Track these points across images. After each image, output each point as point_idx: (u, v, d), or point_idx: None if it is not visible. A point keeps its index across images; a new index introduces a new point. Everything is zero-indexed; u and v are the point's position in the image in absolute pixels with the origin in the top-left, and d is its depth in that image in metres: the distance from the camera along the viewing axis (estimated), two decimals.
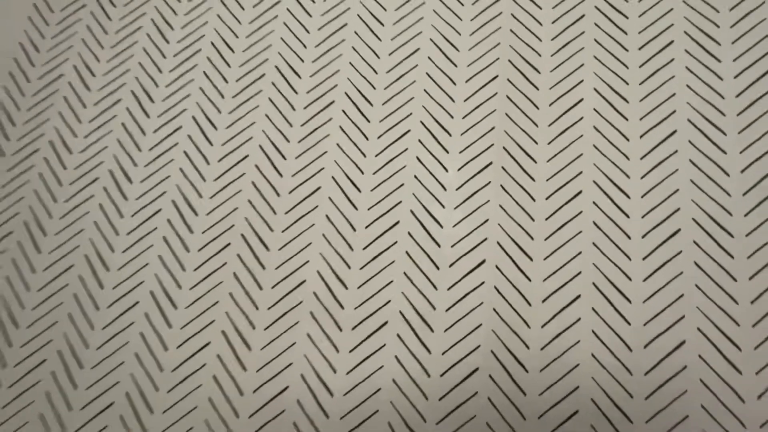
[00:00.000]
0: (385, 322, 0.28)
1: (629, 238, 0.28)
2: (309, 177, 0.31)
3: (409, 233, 0.30)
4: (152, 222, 0.32)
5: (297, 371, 0.28)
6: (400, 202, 0.30)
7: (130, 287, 0.30)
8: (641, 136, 0.30)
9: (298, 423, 0.27)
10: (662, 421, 0.25)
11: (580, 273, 0.28)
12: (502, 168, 0.30)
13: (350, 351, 0.28)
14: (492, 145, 0.31)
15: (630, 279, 0.27)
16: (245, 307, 0.29)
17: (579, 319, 0.27)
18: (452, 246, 0.29)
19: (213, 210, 0.32)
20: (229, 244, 0.30)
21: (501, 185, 0.30)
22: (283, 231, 0.31)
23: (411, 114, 0.32)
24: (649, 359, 0.26)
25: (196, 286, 0.30)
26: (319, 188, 0.31)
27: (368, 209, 0.31)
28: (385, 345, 0.28)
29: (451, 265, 0.29)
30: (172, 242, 0.31)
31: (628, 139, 0.30)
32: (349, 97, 0.33)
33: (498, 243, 0.29)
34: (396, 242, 0.29)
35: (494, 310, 0.28)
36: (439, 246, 0.29)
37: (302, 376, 0.28)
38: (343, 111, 0.32)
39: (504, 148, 0.31)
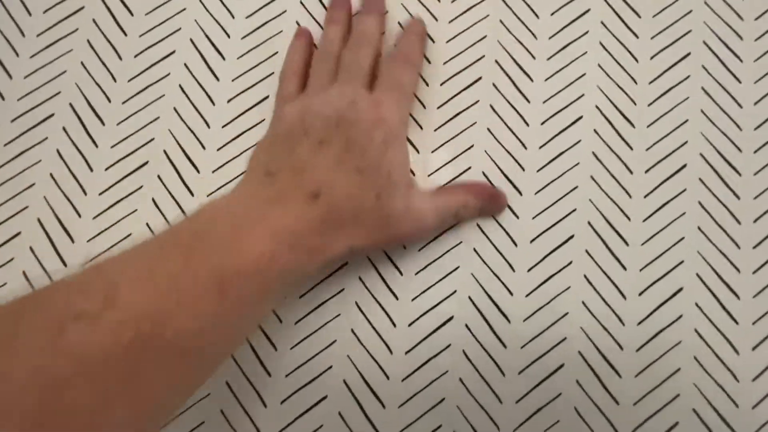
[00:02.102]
0: (345, 264, 0.25)
1: (631, 172, 0.26)
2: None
3: None
4: None
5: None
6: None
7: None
8: (651, 57, 0.27)
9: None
10: (652, 374, 0.23)
11: (574, 210, 0.25)
12: (493, 85, 0.27)
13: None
14: (483, 56, 0.27)
15: (629, 219, 0.25)
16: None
17: (570, 263, 0.25)
18: (429, 176, 0.26)
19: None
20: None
21: (490, 105, 0.27)
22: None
23: None
24: (644, 308, 0.24)
25: None
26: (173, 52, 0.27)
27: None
28: (344, 289, 0.25)
29: None
30: None
31: (637, 60, 0.27)
32: None
33: (483, 173, 0.26)
34: None
35: (474, 249, 0.25)
36: (413, 174, 0.26)
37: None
38: None
39: (497, 61, 0.27)
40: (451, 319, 0.24)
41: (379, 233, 0.22)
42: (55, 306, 0.16)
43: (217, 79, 0.27)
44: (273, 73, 0.27)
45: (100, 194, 0.26)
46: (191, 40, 0.28)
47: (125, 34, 0.28)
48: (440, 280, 0.25)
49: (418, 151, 0.26)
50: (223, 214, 0.20)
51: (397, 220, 0.22)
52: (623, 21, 0.28)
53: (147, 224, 0.25)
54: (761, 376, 0.23)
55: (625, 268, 0.25)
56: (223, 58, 0.28)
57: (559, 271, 0.25)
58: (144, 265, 0.18)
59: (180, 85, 0.27)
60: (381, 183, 0.22)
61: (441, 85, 0.27)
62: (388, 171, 0.22)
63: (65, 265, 0.25)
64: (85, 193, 0.26)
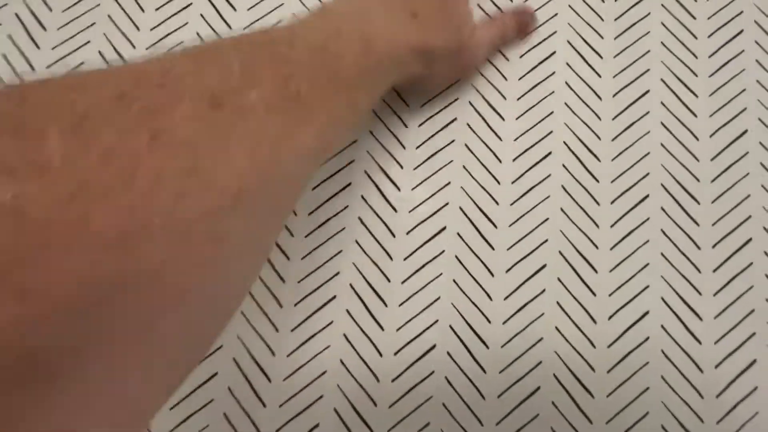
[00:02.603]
0: (334, 297, 0.27)
1: (598, 204, 0.28)
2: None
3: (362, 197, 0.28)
4: None
5: None
6: None
7: None
8: (614, 95, 0.29)
9: None
10: (622, 394, 0.25)
11: (546, 241, 0.27)
12: (467, 125, 0.29)
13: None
14: (457, 98, 0.30)
15: (597, 247, 0.27)
16: None
17: (544, 291, 0.27)
18: (410, 211, 0.28)
19: None
20: None
21: (465, 144, 0.29)
22: None
23: None
24: (613, 331, 0.26)
25: None
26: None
27: None
28: (332, 322, 0.27)
29: (408, 232, 0.28)
30: None
31: (600, 98, 0.29)
32: None
33: (460, 208, 0.28)
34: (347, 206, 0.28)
35: (454, 281, 0.27)
36: (395, 211, 0.28)
37: None
38: None
39: (470, 102, 0.30)
40: (433, 347, 0.26)
41: (454, 53, 0.26)
42: (256, 36, 0.18)
43: None
44: None
45: None
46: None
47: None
48: (422, 310, 0.27)
49: (399, 189, 0.28)
50: (355, 5, 0.22)
51: (466, 48, 0.27)
52: (587, 62, 0.30)
53: None
54: (724, 393, 0.25)
55: (594, 294, 0.27)
56: None
57: (534, 298, 0.27)
58: (310, 22, 0.20)
59: None
60: (461, 17, 0.26)
61: (419, 126, 0.29)
62: (463, 12, 0.26)
63: None
64: None
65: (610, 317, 0.26)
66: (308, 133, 0.17)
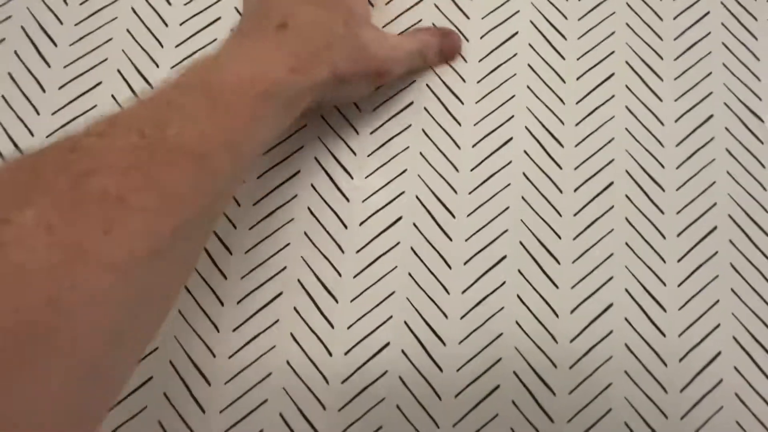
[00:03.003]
0: (280, 293, 0.25)
1: (561, 191, 0.27)
2: None
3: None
4: None
5: None
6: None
7: None
8: (578, 78, 0.28)
9: None
10: (585, 390, 0.24)
11: (506, 231, 0.26)
12: (424, 109, 0.27)
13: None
14: (414, 81, 0.28)
15: (560, 237, 0.26)
16: None
17: (504, 283, 0.25)
18: (363, 201, 0.27)
19: None
20: None
21: (422, 129, 0.27)
22: None
23: None
24: (576, 325, 0.25)
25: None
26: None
27: None
28: (278, 320, 0.25)
29: (361, 223, 0.26)
30: None
31: (564, 81, 0.28)
32: None
33: (417, 197, 0.26)
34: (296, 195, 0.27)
35: (409, 274, 0.25)
36: (348, 200, 0.27)
37: None
38: None
39: (428, 86, 0.28)
40: (387, 345, 0.25)
41: (358, 57, 0.24)
42: (66, 137, 0.17)
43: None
44: None
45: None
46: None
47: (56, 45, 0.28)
48: (376, 306, 0.25)
49: (351, 177, 0.27)
50: (205, 56, 0.21)
51: (371, 46, 0.24)
52: (550, 44, 0.29)
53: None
54: (689, 387, 0.25)
55: (557, 287, 0.26)
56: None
57: (493, 291, 0.25)
58: (139, 100, 0.19)
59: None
60: (344, 12, 0.23)
61: (373, 110, 0.28)
62: (348, 4, 0.24)
63: None
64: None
65: (573, 311, 0.25)
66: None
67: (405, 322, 0.25)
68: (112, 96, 0.28)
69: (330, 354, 0.24)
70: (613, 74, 0.28)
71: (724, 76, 0.29)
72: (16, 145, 0.27)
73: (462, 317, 0.25)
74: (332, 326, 0.25)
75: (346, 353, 0.24)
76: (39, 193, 0.15)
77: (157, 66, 0.28)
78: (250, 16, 0.23)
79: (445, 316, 0.25)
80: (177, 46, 0.29)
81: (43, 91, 0.28)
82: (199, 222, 0.19)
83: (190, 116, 0.18)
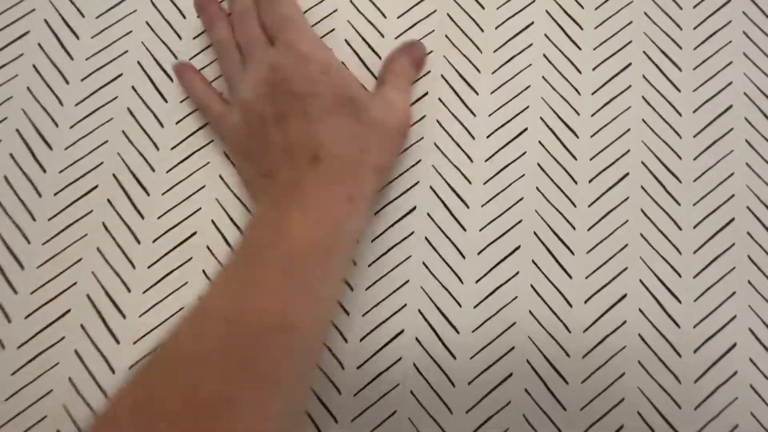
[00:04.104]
0: None
1: (576, 182, 0.27)
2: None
3: None
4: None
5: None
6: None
7: None
8: (594, 68, 0.29)
9: None
10: (598, 379, 0.25)
11: (520, 221, 0.27)
12: (439, 99, 0.28)
13: None
14: (429, 71, 0.29)
15: (574, 228, 0.27)
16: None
17: (517, 273, 0.26)
18: (379, 191, 0.28)
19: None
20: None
21: (437, 120, 0.28)
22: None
23: None
24: (589, 315, 0.26)
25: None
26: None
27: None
28: None
29: (377, 213, 0.27)
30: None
31: (580, 72, 0.29)
32: None
33: (431, 187, 0.27)
34: None
35: (423, 263, 0.26)
36: None
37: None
38: None
39: (442, 76, 0.28)
40: (401, 332, 0.26)
41: (387, 144, 0.24)
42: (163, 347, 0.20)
43: (165, 100, 0.29)
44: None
45: (49, 219, 0.27)
46: (138, 62, 0.29)
47: (71, 58, 0.29)
48: (390, 294, 0.26)
49: None
50: (263, 230, 0.22)
51: (385, 121, 0.24)
52: (566, 34, 0.29)
53: (98, 249, 0.27)
54: (703, 378, 0.25)
55: (570, 277, 0.26)
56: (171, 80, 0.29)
57: (507, 281, 0.26)
58: (218, 282, 0.21)
59: (128, 108, 0.29)
60: (349, 105, 0.23)
61: None
62: (347, 94, 0.24)
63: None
64: (34, 220, 0.27)
65: (587, 301, 0.26)
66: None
67: (419, 310, 0.26)
68: (133, 87, 0.29)
69: (345, 340, 0.26)
70: (630, 64, 0.29)
71: (744, 66, 0.29)
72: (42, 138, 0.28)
73: (475, 306, 0.26)
74: (348, 314, 0.26)
75: (361, 340, 0.26)
76: (158, 418, 0.17)
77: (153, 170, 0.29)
78: (274, 168, 0.23)
79: (459, 305, 0.26)
80: (194, 37, 0.30)
81: (67, 82, 0.29)
82: (299, 387, 0.21)
83: (269, 289, 0.20)
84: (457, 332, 0.26)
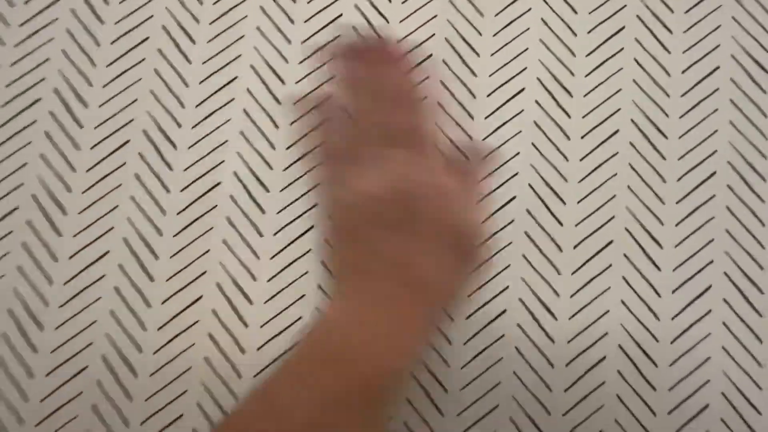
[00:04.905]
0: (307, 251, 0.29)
1: (568, 138, 0.30)
2: (222, 66, 0.31)
3: None
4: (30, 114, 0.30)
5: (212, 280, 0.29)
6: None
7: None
8: (588, 32, 0.31)
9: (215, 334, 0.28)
10: (685, 363, 0.27)
11: (613, 217, 0.29)
12: (443, 62, 0.31)
13: (271, 258, 0.29)
14: (434, 34, 0.31)
15: (662, 223, 0.29)
16: (150, 212, 0.29)
17: (610, 265, 0.28)
18: None
19: (108, 101, 0.30)
20: (128, 141, 0.30)
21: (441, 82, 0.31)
22: (193, 127, 0.30)
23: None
24: (677, 304, 0.28)
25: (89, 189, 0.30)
26: (235, 78, 0.30)
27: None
28: (307, 272, 0.29)
29: None
30: (57, 140, 0.30)
31: (575, 35, 0.31)
32: None
33: (529, 184, 0.29)
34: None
35: (523, 255, 0.28)
36: None
37: (218, 284, 0.29)
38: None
39: (446, 40, 0.31)
40: (503, 312, 0.28)
41: (467, 270, 0.24)
42: None
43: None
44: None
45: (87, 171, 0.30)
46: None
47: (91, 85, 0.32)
48: (493, 277, 0.28)
49: None
50: (348, 331, 0.22)
51: (474, 254, 0.24)
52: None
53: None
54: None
55: (659, 269, 0.28)
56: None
57: (600, 273, 0.28)
58: (299, 390, 0.21)
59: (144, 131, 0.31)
60: (457, 232, 0.23)
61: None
62: (456, 216, 0.24)
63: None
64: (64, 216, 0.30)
65: (674, 291, 0.28)
66: None
67: (520, 299, 0.28)
68: (148, 113, 0.32)
69: (451, 319, 0.28)
70: (623, 27, 0.31)
71: (732, 30, 0.31)
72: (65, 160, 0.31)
73: (572, 296, 0.28)
74: None
75: (467, 318, 0.28)
76: None
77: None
78: (377, 273, 0.23)
79: (557, 294, 0.28)
80: (201, 82, 0.32)
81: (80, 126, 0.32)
82: None
83: (347, 420, 0.20)
84: (555, 319, 0.27)
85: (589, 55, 0.31)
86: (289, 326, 0.28)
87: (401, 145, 0.24)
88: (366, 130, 0.25)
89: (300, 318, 0.28)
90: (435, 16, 0.31)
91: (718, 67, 0.30)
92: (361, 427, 0.21)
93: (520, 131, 0.30)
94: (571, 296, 0.28)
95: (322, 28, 0.31)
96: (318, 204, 0.29)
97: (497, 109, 0.30)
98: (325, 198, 0.26)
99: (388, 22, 0.31)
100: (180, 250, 0.29)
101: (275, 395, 0.21)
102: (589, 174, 0.30)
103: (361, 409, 0.21)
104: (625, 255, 0.29)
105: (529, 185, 0.29)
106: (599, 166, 0.30)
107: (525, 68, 0.30)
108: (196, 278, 0.28)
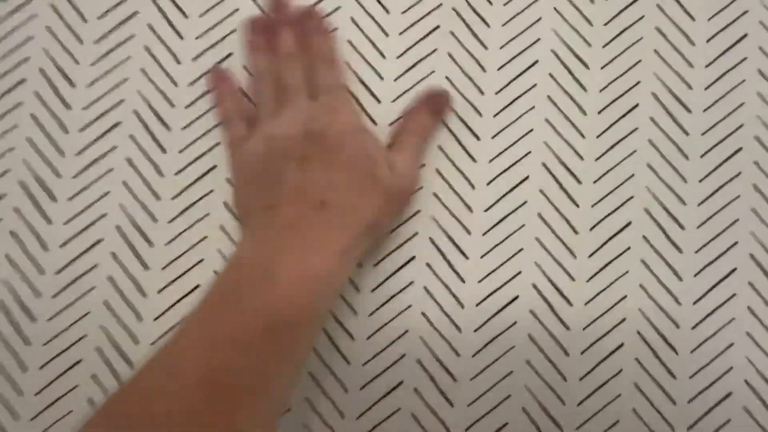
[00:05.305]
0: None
1: (687, 158, 0.28)
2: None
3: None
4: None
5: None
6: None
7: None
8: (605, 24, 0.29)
9: None
10: (707, 349, 0.26)
11: (631, 198, 0.27)
12: (451, 33, 0.29)
13: None
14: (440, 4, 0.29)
15: (684, 203, 0.28)
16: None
17: (628, 248, 0.27)
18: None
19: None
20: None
21: (448, 53, 0.29)
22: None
23: None
24: (699, 288, 0.27)
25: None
26: (229, 54, 0.29)
27: None
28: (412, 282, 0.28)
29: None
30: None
31: (593, 2, 0.29)
32: None
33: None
34: None
35: (536, 239, 0.27)
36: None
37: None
38: None
39: (453, 9, 0.29)
40: (516, 298, 0.27)
41: (388, 203, 0.25)
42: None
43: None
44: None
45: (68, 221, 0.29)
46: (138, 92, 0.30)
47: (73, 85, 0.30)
48: (504, 262, 0.27)
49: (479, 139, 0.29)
50: (251, 268, 0.23)
51: (393, 185, 0.25)
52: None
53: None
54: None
55: (681, 251, 0.27)
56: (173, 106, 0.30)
57: (618, 256, 0.27)
58: (200, 333, 0.21)
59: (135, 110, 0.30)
60: (366, 164, 0.25)
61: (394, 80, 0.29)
62: (367, 154, 0.25)
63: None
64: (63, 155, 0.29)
65: (696, 274, 0.27)
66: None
67: (533, 284, 0.27)
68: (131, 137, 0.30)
69: (462, 306, 0.27)
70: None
71: None
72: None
73: (588, 280, 0.27)
74: (463, 281, 0.27)
75: (477, 305, 0.27)
76: None
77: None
78: (281, 203, 0.24)
79: (572, 278, 0.27)
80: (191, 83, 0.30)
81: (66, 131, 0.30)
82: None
83: (249, 349, 0.20)
84: (570, 304, 0.27)
85: (607, 24, 0.29)
86: None
87: (319, 98, 0.26)
88: (284, 85, 0.27)
89: None
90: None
91: (746, 35, 0.28)
92: (264, 370, 0.21)
93: (533, 107, 0.28)
94: (588, 281, 0.27)
95: None
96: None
97: (509, 83, 0.28)
98: (234, 154, 0.27)
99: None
100: (175, 237, 0.28)
101: (174, 350, 0.21)
102: (607, 151, 0.28)
103: (266, 349, 0.21)
104: (644, 237, 0.27)
105: (543, 164, 0.28)
106: (617, 142, 0.28)
107: (538, 39, 0.29)
108: (193, 267, 0.27)
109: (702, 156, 0.28)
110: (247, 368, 0.20)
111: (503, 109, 0.28)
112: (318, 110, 0.26)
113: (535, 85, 0.28)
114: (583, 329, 0.27)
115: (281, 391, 0.22)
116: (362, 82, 0.29)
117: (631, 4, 0.29)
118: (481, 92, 0.28)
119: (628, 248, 0.27)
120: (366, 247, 0.25)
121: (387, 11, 0.29)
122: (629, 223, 0.27)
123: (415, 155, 0.27)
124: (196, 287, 0.27)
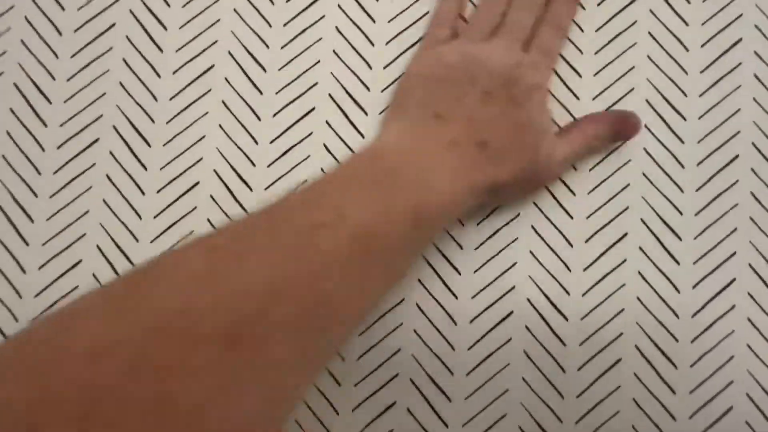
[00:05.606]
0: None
1: (683, 167, 0.27)
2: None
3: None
4: None
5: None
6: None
7: None
8: (598, 4, 0.28)
9: None
10: (707, 363, 0.26)
11: (627, 208, 0.27)
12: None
13: None
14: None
15: (681, 213, 0.27)
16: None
17: (624, 261, 0.26)
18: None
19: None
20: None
21: None
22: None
23: None
24: (698, 300, 0.26)
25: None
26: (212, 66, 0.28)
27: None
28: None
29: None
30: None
31: (584, 7, 0.28)
32: None
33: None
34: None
35: (530, 252, 0.27)
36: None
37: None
38: None
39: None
40: (510, 314, 0.26)
41: (528, 182, 0.26)
42: (297, 218, 0.20)
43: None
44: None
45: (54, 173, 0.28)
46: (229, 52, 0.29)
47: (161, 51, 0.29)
48: (499, 276, 0.27)
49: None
50: (411, 155, 0.23)
51: (541, 168, 0.25)
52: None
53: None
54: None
55: (678, 262, 0.27)
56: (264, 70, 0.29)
57: (614, 269, 0.26)
58: (360, 194, 0.22)
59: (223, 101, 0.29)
60: (537, 139, 0.25)
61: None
62: (542, 132, 0.25)
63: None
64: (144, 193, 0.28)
65: (695, 286, 0.26)
66: (336, 332, 0.21)
67: (527, 299, 0.26)
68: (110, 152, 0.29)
69: (456, 297, 0.26)
70: None
71: None
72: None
73: (584, 294, 0.26)
74: (459, 273, 0.26)
75: (472, 297, 0.26)
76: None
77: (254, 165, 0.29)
78: (451, 120, 0.24)
79: (567, 293, 0.26)
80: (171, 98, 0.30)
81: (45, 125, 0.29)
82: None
83: (396, 234, 0.21)
84: (566, 319, 0.26)
85: (599, 30, 0.28)
86: None
87: (530, 51, 0.26)
88: (508, 22, 0.27)
89: None
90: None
91: (740, 39, 0.28)
92: (406, 242, 0.22)
93: (630, 160, 0.27)
94: (583, 295, 0.26)
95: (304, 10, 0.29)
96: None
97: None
98: (424, 50, 0.28)
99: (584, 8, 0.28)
100: (161, 234, 0.27)
101: (337, 196, 0.21)
102: (601, 161, 0.27)
103: (408, 228, 0.21)
104: (640, 248, 0.27)
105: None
106: (611, 152, 0.27)
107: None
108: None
109: (698, 164, 0.27)
110: (390, 247, 0.21)
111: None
112: (525, 60, 0.26)
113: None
114: (580, 345, 0.26)
115: (360, 313, 0.22)
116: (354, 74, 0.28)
117: (622, 10, 0.28)
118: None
119: (624, 260, 0.27)
120: (482, 203, 0.25)
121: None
122: (625, 235, 0.27)
123: (575, 155, 0.26)
124: (197, 184, 0.25)
